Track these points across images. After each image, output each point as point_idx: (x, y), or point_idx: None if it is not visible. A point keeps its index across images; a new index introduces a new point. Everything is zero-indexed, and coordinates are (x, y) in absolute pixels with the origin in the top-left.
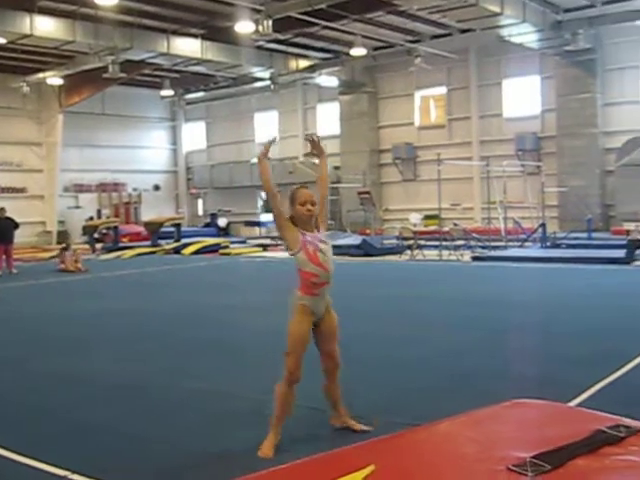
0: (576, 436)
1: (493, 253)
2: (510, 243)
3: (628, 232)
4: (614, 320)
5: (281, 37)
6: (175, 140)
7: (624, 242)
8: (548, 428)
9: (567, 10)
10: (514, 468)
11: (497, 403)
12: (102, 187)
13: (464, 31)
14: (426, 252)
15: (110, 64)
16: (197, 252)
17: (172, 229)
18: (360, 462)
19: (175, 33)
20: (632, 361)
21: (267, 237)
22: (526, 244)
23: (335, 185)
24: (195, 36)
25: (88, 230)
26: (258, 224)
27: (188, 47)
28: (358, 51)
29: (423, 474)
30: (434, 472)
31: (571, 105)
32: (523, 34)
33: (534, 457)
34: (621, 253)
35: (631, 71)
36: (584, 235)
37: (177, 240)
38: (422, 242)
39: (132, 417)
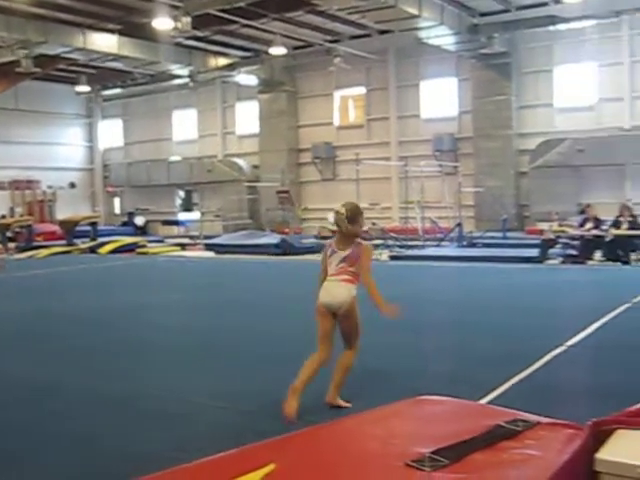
0: (476, 431)
1: (411, 252)
2: (427, 242)
3: (541, 232)
4: (526, 319)
5: (200, 34)
6: (91, 137)
7: (538, 242)
8: (449, 424)
9: (483, 14)
10: (412, 463)
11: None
12: (15, 184)
13: (383, 32)
14: None
15: (23, 58)
16: (114, 251)
17: (88, 228)
18: (261, 461)
19: (91, 28)
20: (541, 359)
21: (185, 236)
22: (443, 243)
23: (254, 184)
24: (112, 31)
25: (0, 229)
26: (176, 223)
27: (105, 42)
28: (277, 50)
29: (322, 472)
30: (333, 470)
31: (487, 107)
32: (440, 36)
33: (433, 452)
34: (535, 252)
35: (544, 75)
36: (499, 234)
37: (93, 239)
38: None
39: (45, 418)
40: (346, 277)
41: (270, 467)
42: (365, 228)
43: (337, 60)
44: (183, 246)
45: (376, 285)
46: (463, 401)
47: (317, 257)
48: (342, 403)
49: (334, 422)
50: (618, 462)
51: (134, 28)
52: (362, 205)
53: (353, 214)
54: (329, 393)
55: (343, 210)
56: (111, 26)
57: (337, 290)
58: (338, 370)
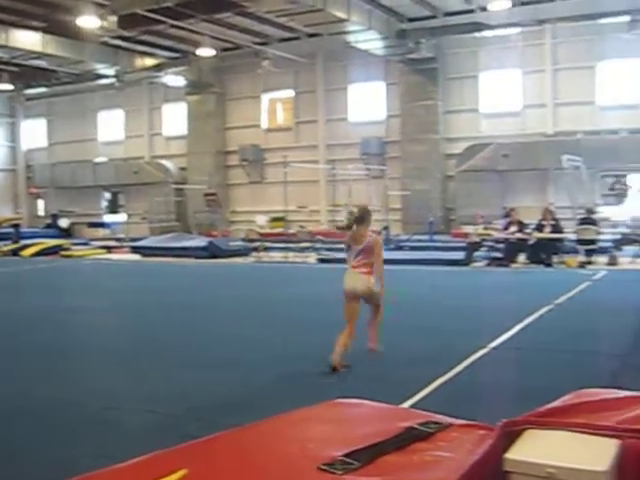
0: (389, 434)
1: (337, 255)
2: None
3: (467, 235)
4: (451, 320)
5: (127, 34)
6: (14, 137)
7: (463, 245)
8: (364, 426)
9: (411, 19)
10: (324, 467)
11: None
12: None
13: (312, 35)
14: (272, 254)
15: None
16: (37, 254)
17: (10, 230)
18: (172, 466)
19: (14, 25)
20: (465, 360)
21: (111, 239)
22: None
23: (181, 186)
24: (36, 29)
25: None
26: (102, 225)
27: (28, 40)
28: (206, 51)
29: (232, 477)
30: (244, 475)
31: (414, 111)
32: (369, 41)
33: (345, 455)
34: (461, 255)
35: (470, 80)
36: (426, 237)
37: (15, 241)
38: (268, 244)
39: None
40: (364, 270)
41: (182, 472)
42: (292, 231)
43: (266, 63)
44: (109, 249)
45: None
46: (379, 404)
47: (245, 260)
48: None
49: (249, 426)
50: (526, 461)
51: (59, 26)
52: (290, 208)
53: (360, 215)
54: (370, 340)
55: (354, 211)
56: (35, 23)
57: (358, 282)
58: (375, 324)
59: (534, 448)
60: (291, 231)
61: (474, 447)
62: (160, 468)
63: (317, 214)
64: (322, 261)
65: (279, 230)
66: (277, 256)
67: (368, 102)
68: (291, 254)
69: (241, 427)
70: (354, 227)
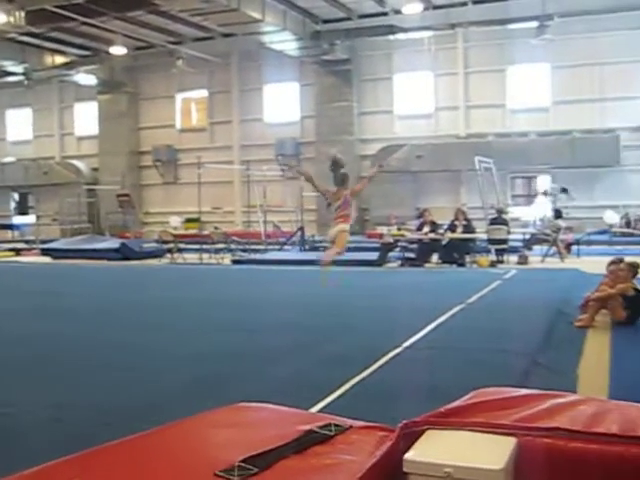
0: (289, 437)
1: (253, 256)
2: (270, 246)
3: (381, 236)
4: (366, 321)
5: (36, 30)
6: None
7: (377, 245)
8: (264, 431)
9: (326, 21)
10: (221, 473)
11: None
12: None
13: (226, 35)
14: (187, 255)
15: None
16: None
17: None
18: (64, 478)
19: None
20: (378, 360)
21: (20, 241)
22: (285, 247)
23: (93, 187)
24: None
25: None
26: (10, 227)
27: None
28: (118, 50)
29: None
30: None
31: (329, 113)
32: (283, 42)
33: (242, 460)
34: (374, 255)
35: (383, 82)
36: None
37: None
38: (183, 245)
39: None
40: (341, 220)
41: None
42: (207, 232)
43: (179, 62)
44: (17, 251)
45: None
46: (281, 407)
47: (158, 262)
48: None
49: (148, 432)
50: (425, 462)
51: None
52: (204, 209)
53: (341, 179)
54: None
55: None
56: None
57: (332, 229)
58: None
59: (432, 448)
60: (205, 232)
61: (374, 449)
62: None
63: (232, 215)
64: (237, 262)
65: (193, 231)
66: (191, 258)
67: (283, 103)
68: (206, 255)
69: (140, 433)
70: (335, 189)
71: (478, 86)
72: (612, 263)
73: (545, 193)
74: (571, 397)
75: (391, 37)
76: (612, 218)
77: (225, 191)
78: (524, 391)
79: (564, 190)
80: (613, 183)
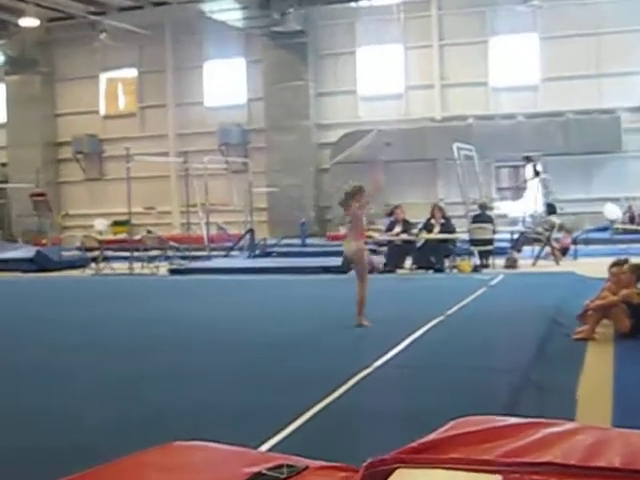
0: None
1: (194, 264)
2: (214, 252)
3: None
4: (329, 337)
5: None
6: None
7: (341, 249)
8: (201, 475)
9: None
10: None
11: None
12: None
13: (158, 4)
14: (115, 265)
15: None
16: None
17: None
18: None
19: None
20: (346, 382)
21: None
22: (232, 253)
23: (2, 185)
24: None
25: None
26: None
27: None
28: (29, 22)
29: None
30: None
31: (281, 94)
32: (226, 11)
33: None
34: (338, 261)
35: (346, 58)
36: (297, 242)
37: None
38: (110, 253)
39: None
40: (352, 237)
41: None
42: (139, 236)
43: (103, 36)
44: None
45: None
46: (223, 446)
47: (81, 273)
48: (365, 322)
49: (74, 476)
50: None
51: None
52: (135, 209)
53: (346, 197)
54: (356, 317)
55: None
56: None
57: (347, 246)
58: (359, 298)
59: None
60: (137, 237)
61: None
62: None
63: (168, 216)
64: (175, 272)
65: (122, 236)
66: (121, 267)
67: (227, 83)
68: (137, 265)
69: (67, 478)
70: (344, 208)
71: (456, 61)
72: (614, 265)
73: (537, 173)
74: (567, 425)
75: (353, 4)
76: (613, 212)
77: (160, 188)
78: (512, 420)
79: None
80: (614, 172)
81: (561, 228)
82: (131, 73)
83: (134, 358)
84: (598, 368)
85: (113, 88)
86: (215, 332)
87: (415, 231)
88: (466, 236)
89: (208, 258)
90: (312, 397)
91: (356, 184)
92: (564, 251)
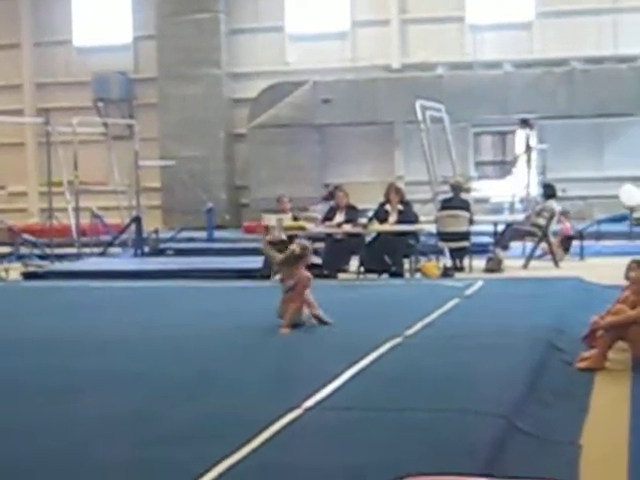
0: None
1: (58, 266)
2: (86, 250)
3: (267, 229)
4: (246, 367)
5: None
6: None
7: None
8: None
9: None
10: None
11: None
12: None
13: None
14: None
15: None
16: None
17: None
18: None
19: None
20: (266, 430)
21: None
22: (112, 251)
23: None
24: None
25: None
26: None
27: None
28: None
29: None
30: None
31: (180, 31)
32: None
33: None
34: (258, 262)
35: None
36: (203, 235)
37: None
38: None
39: None
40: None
41: None
42: None
43: None
44: None
45: None
46: None
47: None
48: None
49: None
50: None
51: None
52: None
53: (293, 258)
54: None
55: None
56: None
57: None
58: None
59: None
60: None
61: None
62: None
63: (22, 199)
64: (31, 276)
65: None
66: None
67: (105, 15)
68: None
69: None
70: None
71: None
72: (633, 267)
73: (528, 149)
74: None
75: None
76: (633, 196)
77: (11, 160)
78: None
79: (525, 123)
80: (633, 141)
81: (563, 216)
82: None
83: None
84: (609, 409)
85: None
86: (86, 361)
87: (363, 221)
88: (433, 228)
89: (78, 257)
90: (219, 451)
91: (305, 245)
92: (566, 244)
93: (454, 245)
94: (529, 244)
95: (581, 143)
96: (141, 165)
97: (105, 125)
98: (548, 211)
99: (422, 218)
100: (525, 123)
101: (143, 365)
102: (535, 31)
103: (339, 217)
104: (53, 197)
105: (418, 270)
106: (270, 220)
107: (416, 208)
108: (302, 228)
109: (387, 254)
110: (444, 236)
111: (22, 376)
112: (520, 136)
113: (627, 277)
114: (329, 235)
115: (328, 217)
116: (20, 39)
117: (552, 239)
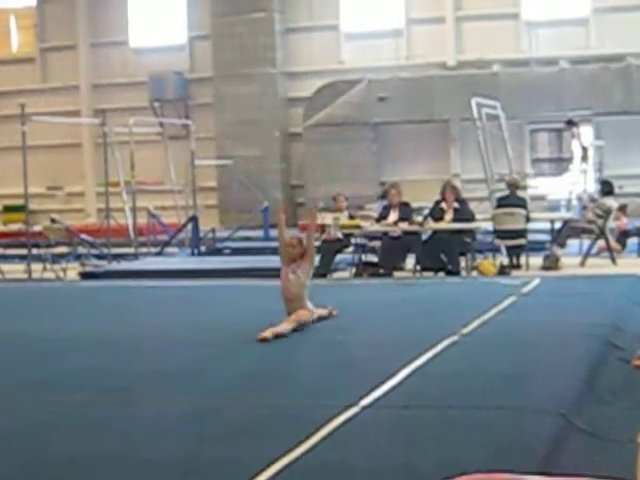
0: None
1: (115, 266)
2: (143, 249)
3: (323, 228)
4: (303, 366)
5: None
6: None
7: (318, 244)
8: None
9: None
10: None
11: None
12: None
13: None
14: (5, 267)
15: None
16: None
17: None
18: None
19: None
20: (325, 427)
21: None
22: (169, 250)
23: None
24: None
25: None
26: None
27: None
28: None
29: None
30: None
31: (235, 30)
32: None
33: None
34: (315, 261)
35: None
36: (259, 234)
37: None
38: None
39: None
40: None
41: None
42: (39, 227)
43: None
44: None
45: None
46: None
47: None
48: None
49: None
50: None
51: None
52: (36, 190)
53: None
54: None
55: None
56: None
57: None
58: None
59: None
60: (37, 228)
61: None
62: None
63: (80, 199)
64: (89, 276)
65: (17, 227)
66: (14, 270)
67: (161, 16)
68: (38, 266)
69: None
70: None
71: None
72: None
73: (584, 151)
74: None
75: None
76: None
77: (68, 161)
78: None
79: (570, 124)
80: None
81: (620, 212)
82: (28, 3)
83: (39, 397)
84: None
85: (4, 23)
86: (144, 362)
87: (419, 219)
88: (490, 226)
89: (135, 257)
90: (276, 449)
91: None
92: (623, 240)
93: (511, 243)
94: (586, 241)
95: (638, 140)
96: (197, 165)
97: (161, 125)
98: (605, 208)
99: (478, 216)
100: (570, 123)
101: (200, 364)
102: (591, 27)
103: (393, 215)
104: (110, 197)
105: (474, 268)
106: (326, 218)
107: (472, 206)
108: (357, 226)
109: (443, 252)
110: (500, 234)
111: (80, 376)
112: (576, 134)
113: None
114: (385, 233)
115: (382, 215)
116: (77, 40)
117: (610, 237)
